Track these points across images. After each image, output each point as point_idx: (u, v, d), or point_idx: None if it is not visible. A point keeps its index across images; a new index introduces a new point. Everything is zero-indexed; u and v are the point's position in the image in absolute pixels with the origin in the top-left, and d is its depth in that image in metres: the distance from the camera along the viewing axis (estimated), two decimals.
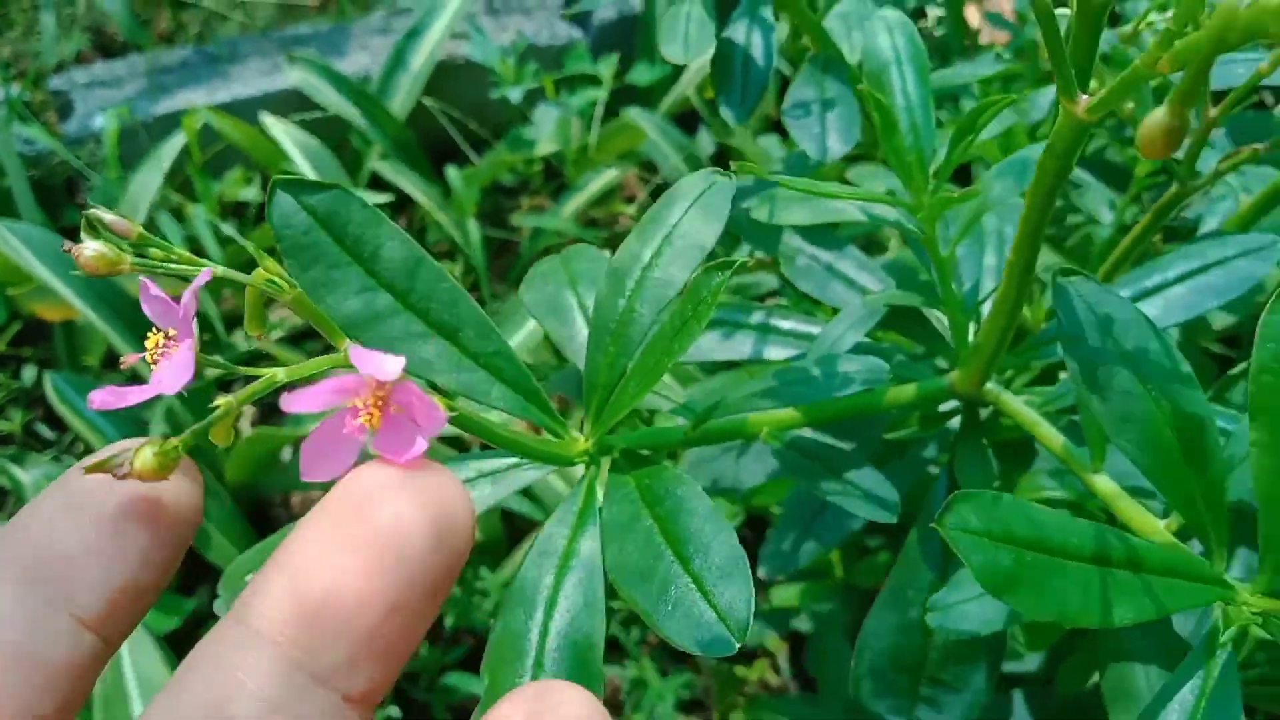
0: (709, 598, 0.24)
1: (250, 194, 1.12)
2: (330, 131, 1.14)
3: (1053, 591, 0.24)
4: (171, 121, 1.10)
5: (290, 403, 0.19)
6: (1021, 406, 0.37)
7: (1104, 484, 0.34)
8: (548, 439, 0.29)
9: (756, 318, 0.39)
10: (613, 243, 1.24)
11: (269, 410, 1.08)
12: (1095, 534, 0.26)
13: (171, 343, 0.21)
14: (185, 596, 0.91)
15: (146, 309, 0.22)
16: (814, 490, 0.34)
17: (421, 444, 0.20)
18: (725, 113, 0.43)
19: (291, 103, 1.15)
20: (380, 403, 0.20)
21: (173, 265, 0.22)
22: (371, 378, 0.20)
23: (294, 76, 1.12)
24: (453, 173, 1.11)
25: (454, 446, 0.93)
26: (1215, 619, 0.27)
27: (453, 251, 1.15)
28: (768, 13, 0.44)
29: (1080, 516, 0.28)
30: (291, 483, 0.96)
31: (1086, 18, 0.25)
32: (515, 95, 1.09)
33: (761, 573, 0.47)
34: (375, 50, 1.22)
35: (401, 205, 1.21)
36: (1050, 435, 0.36)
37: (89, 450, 1.01)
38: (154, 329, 0.22)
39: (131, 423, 0.94)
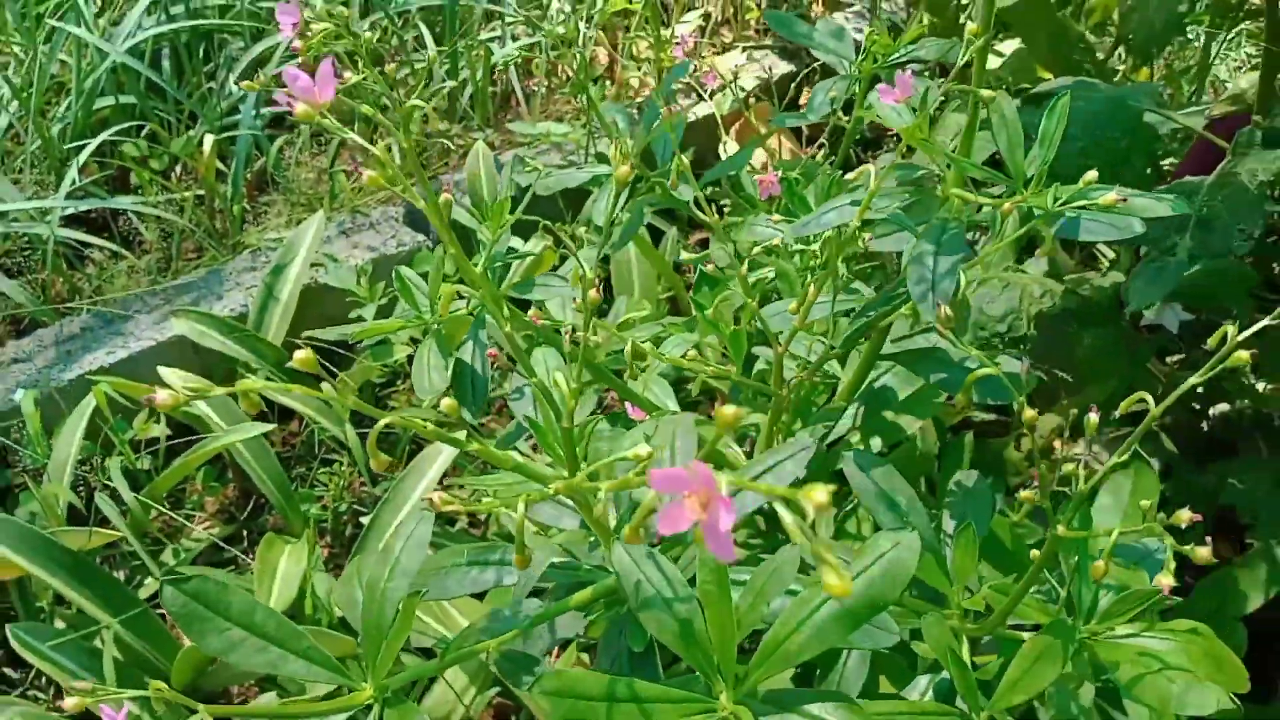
0: None
1: (158, 430, 1.32)
2: (220, 363, 1.35)
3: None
4: (83, 383, 1.29)
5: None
6: None
7: None
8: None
9: (497, 556, 0.61)
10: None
11: None
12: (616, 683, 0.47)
13: None
14: None
15: None
16: None
17: None
18: (464, 413, 0.65)
19: (184, 347, 1.35)
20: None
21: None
22: None
23: (181, 327, 1.33)
24: (326, 386, 1.32)
25: None
26: None
27: (341, 446, 1.35)
28: (483, 336, 0.67)
29: None
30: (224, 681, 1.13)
31: None
32: (369, 314, 1.31)
33: None
34: (248, 286, 1.43)
35: (292, 413, 1.41)
36: None
37: (52, 683, 1.18)
38: None
39: (87, 654, 1.11)
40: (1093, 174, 0.55)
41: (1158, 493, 0.74)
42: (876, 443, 0.88)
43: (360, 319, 1.34)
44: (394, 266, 1.47)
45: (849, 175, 0.72)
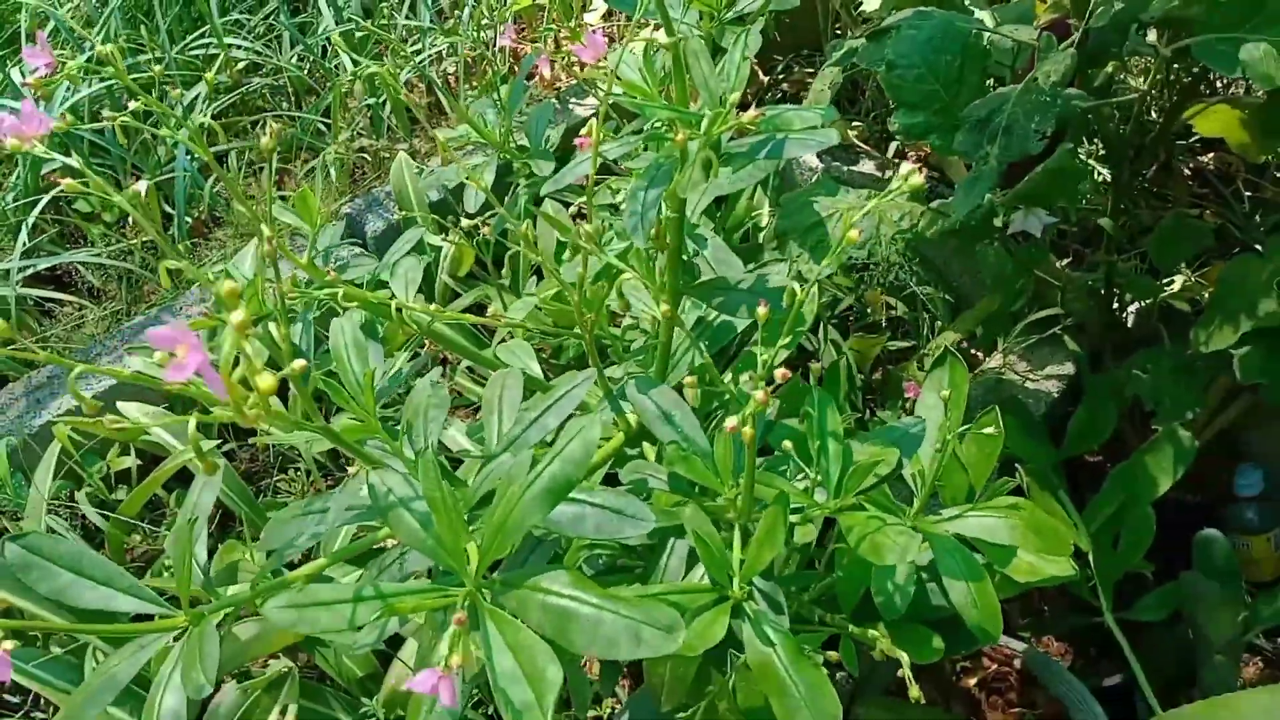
0: None
1: (128, 462, 1.41)
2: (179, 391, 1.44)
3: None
4: (51, 429, 1.39)
5: None
6: None
7: None
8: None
9: (317, 505, 0.68)
10: None
11: None
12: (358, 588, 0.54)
13: None
14: None
15: None
16: None
17: None
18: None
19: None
20: None
21: None
22: None
23: (136, 363, 1.42)
24: (275, 401, 1.40)
25: None
26: None
27: (299, 455, 1.43)
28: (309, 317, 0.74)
29: None
30: None
31: None
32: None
33: None
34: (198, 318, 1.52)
35: (252, 432, 1.50)
36: None
37: (50, 704, 1.28)
38: None
39: (74, 670, 1.20)
40: (736, 95, 0.59)
41: (966, 381, 0.79)
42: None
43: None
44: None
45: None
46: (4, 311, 1.50)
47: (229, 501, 1.34)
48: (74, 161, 1.69)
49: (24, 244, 1.49)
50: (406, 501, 0.55)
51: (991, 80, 1.14)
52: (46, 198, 1.57)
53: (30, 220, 1.53)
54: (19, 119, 0.59)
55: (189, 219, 1.63)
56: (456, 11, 1.89)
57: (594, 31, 0.66)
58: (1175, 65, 1.02)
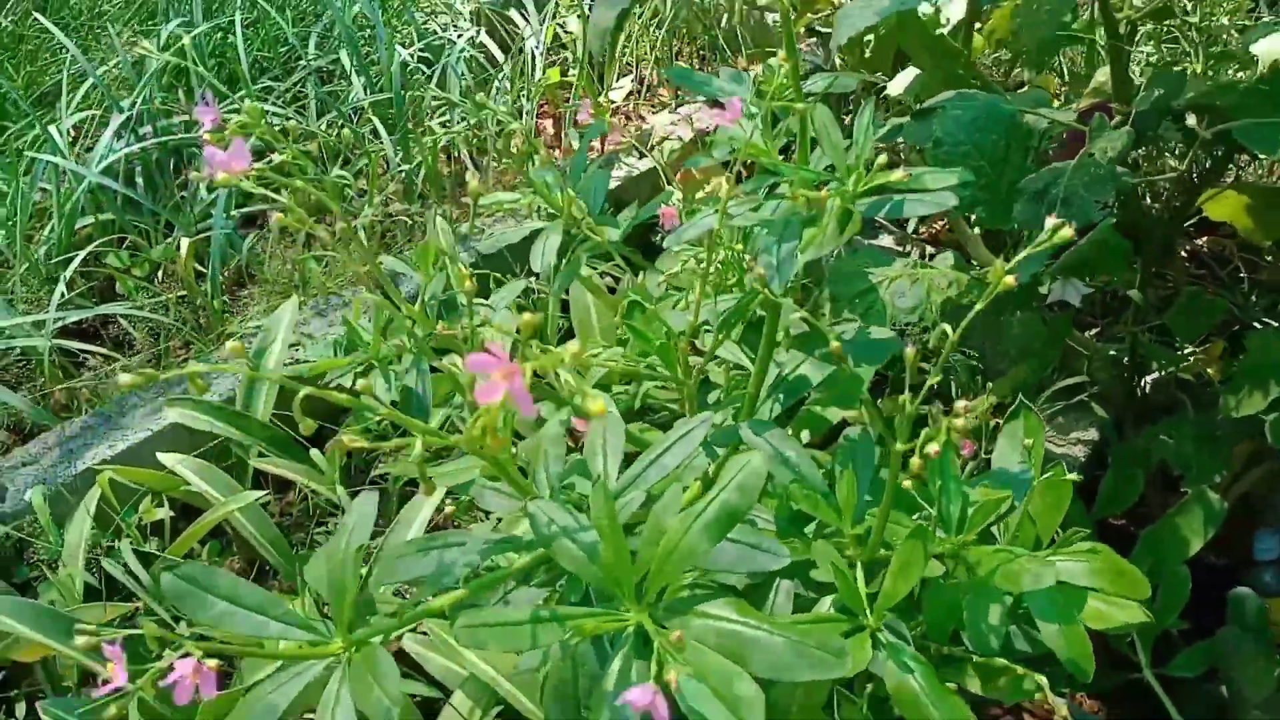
0: None
1: (162, 514, 1.40)
2: (215, 445, 1.44)
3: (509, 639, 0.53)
4: (88, 476, 1.38)
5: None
6: None
7: None
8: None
9: (440, 541, 0.69)
10: None
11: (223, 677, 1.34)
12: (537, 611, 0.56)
13: None
14: None
15: None
16: None
17: None
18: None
19: (179, 434, 1.45)
20: None
21: None
22: None
23: (174, 414, 1.43)
24: (314, 453, 1.41)
25: None
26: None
27: (335, 507, 1.44)
28: (424, 364, 0.76)
29: None
30: None
31: None
32: (347, 380, 1.40)
33: None
34: (234, 373, 1.53)
35: (288, 484, 1.50)
36: None
37: None
38: None
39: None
40: (883, 158, 0.64)
41: (1042, 432, 0.82)
42: (805, 436, 0.97)
43: (339, 386, 1.43)
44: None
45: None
46: (38, 362, 1.50)
47: (263, 551, 1.34)
48: (107, 216, 1.71)
49: (62, 295, 1.50)
50: (570, 532, 0.57)
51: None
52: (82, 254, 1.59)
53: (67, 274, 1.54)
54: (229, 155, 0.62)
55: (222, 276, 1.65)
56: (486, 86, 1.95)
57: (733, 98, 0.70)
58: (1201, 152, 1.09)
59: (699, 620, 0.53)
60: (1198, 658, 1.17)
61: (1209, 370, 1.53)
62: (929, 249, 1.72)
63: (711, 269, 0.86)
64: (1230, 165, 1.37)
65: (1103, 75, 1.13)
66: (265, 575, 1.44)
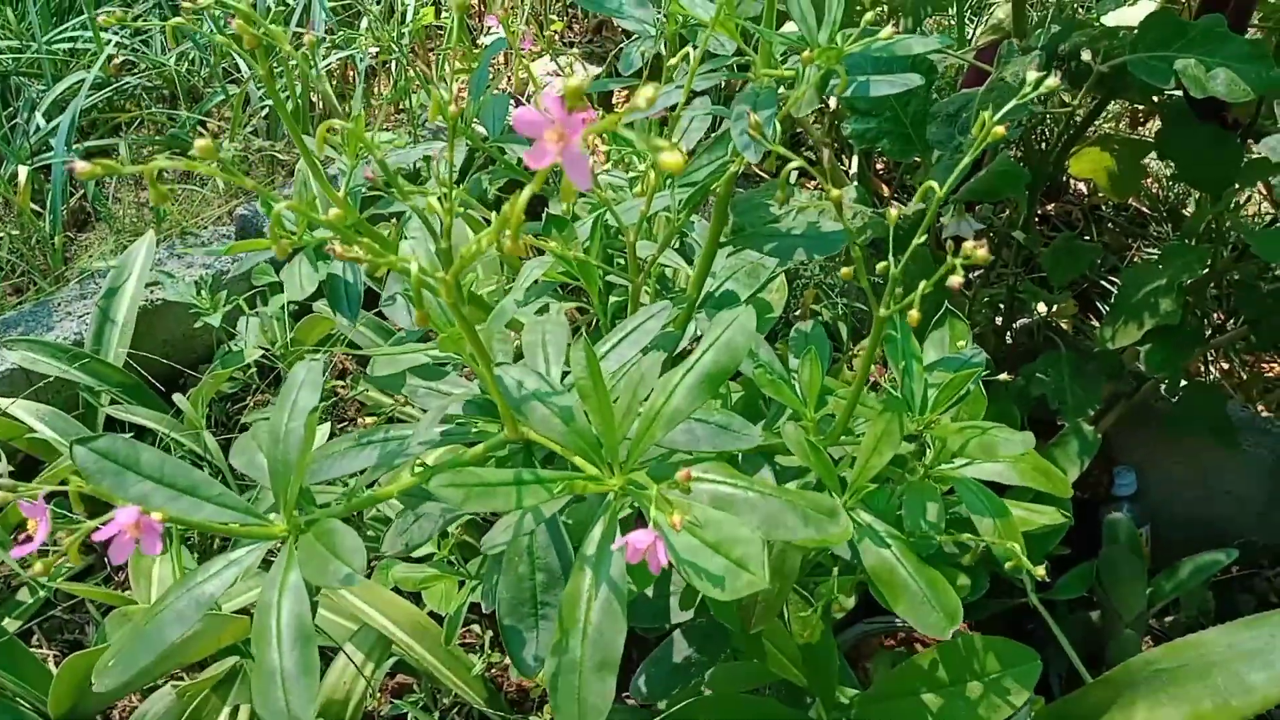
0: None
1: (1, 467, 1.27)
2: (61, 391, 1.31)
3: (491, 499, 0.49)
4: None
5: None
6: None
7: None
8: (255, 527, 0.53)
9: (380, 435, 0.64)
10: (336, 414, 1.47)
11: (74, 645, 1.21)
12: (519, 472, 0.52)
13: None
14: None
15: None
16: None
17: None
18: (339, 319, 0.68)
19: (19, 379, 1.31)
20: None
21: None
22: None
23: (15, 357, 1.29)
24: (178, 397, 1.30)
25: None
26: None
27: (198, 461, 1.33)
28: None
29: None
30: (105, 700, 1.10)
31: None
32: (215, 320, 1.30)
33: None
34: (80, 315, 1.40)
35: (141, 435, 1.38)
36: None
37: None
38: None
39: None
40: (870, 14, 0.63)
41: (969, 334, 0.83)
42: None
43: (205, 334, 1.33)
44: (232, 283, 1.47)
45: (671, 61, 0.79)
46: None
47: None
48: None
49: None
50: (543, 395, 0.53)
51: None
52: None
53: None
54: None
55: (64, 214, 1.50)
56: (354, 26, 1.86)
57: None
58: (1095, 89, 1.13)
59: (689, 483, 0.50)
60: (1080, 579, 1.22)
61: (1062, 323, 1.62)
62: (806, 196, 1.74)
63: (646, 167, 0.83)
64: (1096, 121, 1.44)
65: (1002, 13, 1.16)
66: None
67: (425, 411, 0.68)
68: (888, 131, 1.14)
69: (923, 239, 1.17)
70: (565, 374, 0.69)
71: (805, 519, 0.49)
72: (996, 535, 0.74)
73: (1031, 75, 0.55)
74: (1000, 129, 0.53)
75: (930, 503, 0.75)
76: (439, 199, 0.52)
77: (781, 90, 0.68)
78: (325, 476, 0.62)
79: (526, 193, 0.36)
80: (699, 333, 0.90)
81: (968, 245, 0.47)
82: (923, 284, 0.51)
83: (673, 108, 0.72)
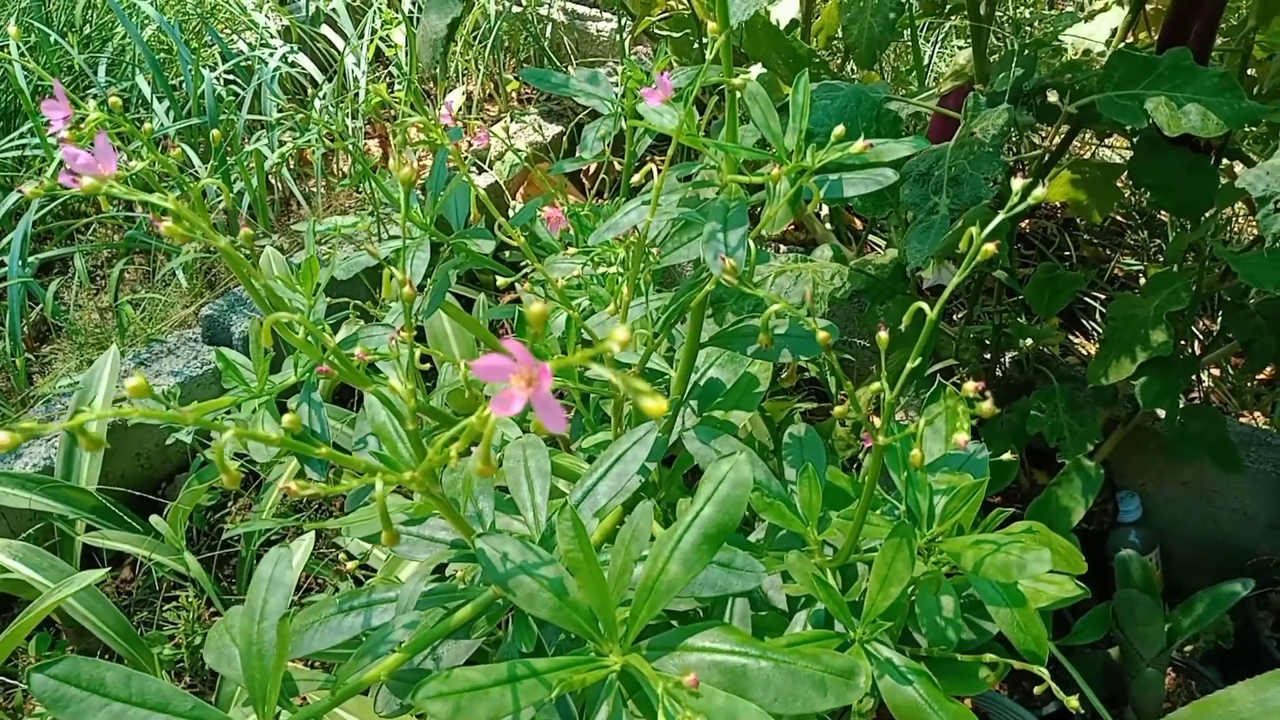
0: None
1: None
2: (35, 520, 1.27)
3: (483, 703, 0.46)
4: None
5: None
6: None
7: None
8: None
9: (364, 599, 0.60)
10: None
11: None
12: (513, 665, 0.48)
13: None
14: None
15: None
16: None
17: None
18: (310, 471, 0.65)
19: None
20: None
21: None
22: None
23: None
24: (155, 519, 1.26)
25: None
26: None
27: (183, 579, 1.29)
28: (316, 397, 0.67)
29: None
30: None
31: None
32: (187, 436, 1.26)
33: None
34: (49, 438, 1.35)
35: (120, 560, 1.34)
36: None
37: None
38: None
39: None
40: (840, 129, 0.61)
41: (969, 416, 0.80)
42: None
43: (179, 444, 1.29)
44: (201, 387, 1.43)
45: (635, 177, 0.76)
46: None
47: (103, 637, 1.18)
48: None
49: None
50: (530, 567, 0.50)
51: None
52: None
53: None
54: (96, 156, 0.51)
55: (23, 331, 1.46)
56: (306, 108, 1.83)
57: (662, 74, 0.65)
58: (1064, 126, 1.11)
59: (694, 656, 0.47)
60: (1097, 623, 1.19)
61: (1048, 347, 1.59)
62: (782, 247, 1.72)
63: (616, 270, 0.80)
64: (1068, 150, 1.42)
65: (964, 58, 1.14)
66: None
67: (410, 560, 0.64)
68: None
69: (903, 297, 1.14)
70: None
71: (823, 688, 0.46)
72: (1015, 627, 0.71)
73: (1016, 184, 0.52)
74: (990, 247, 0.50)
75: (945, 597, 0.72)
76: (400, 376, 0.48)
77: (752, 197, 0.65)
78: (306, 651, 0.58)
79: (481, 448, 0.32)
80: (686, 425, 0.87)
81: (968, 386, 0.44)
82: (908, 365, 0.48)
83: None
